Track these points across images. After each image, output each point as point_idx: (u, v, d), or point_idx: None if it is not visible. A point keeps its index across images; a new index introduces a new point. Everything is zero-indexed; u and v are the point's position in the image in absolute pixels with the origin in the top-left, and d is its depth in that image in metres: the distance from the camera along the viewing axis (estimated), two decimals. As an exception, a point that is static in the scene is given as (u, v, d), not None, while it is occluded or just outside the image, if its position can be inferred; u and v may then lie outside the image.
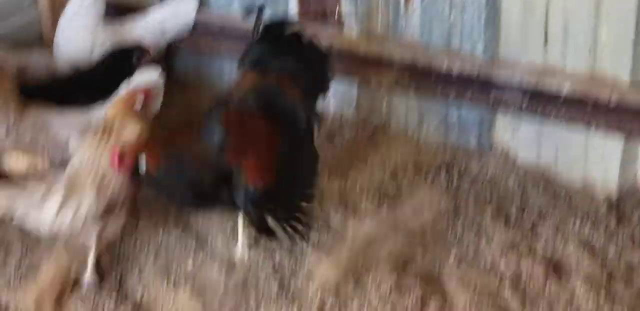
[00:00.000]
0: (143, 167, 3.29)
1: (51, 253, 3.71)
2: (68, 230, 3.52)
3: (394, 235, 3.78)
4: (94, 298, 3.58)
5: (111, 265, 3.73)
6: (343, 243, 3.74)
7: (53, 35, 4.69)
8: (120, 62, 4.18)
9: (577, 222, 3.88)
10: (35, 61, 4.36)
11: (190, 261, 3.72)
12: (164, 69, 4.22)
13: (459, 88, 4.21)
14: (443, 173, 4.22)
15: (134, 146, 3.39)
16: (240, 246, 3.73)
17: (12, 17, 4.90)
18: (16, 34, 4.89)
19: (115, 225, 3.62)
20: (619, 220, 3.89)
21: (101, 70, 4.19)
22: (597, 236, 3.80)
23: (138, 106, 3.63)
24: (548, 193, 4.06)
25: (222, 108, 3.54)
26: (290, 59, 3.73)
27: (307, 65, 3.76)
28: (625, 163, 4.02)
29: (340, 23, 4.49)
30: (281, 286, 3.58)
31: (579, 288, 3.52)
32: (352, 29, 4.47)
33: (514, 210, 3.96)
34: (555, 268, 3.63)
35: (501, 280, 3.57)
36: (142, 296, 3.58)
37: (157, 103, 3.98)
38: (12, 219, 3.57)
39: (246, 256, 3.72)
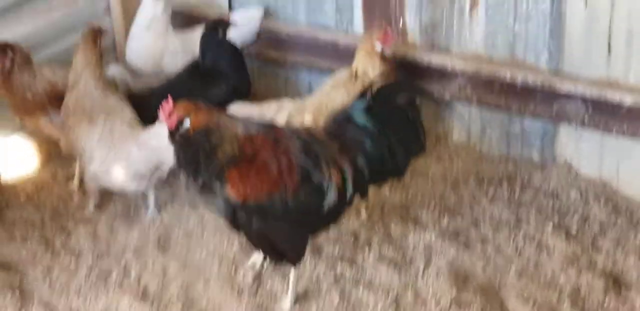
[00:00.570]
0: (186, 125, 3.34)
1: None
2: None
3: (455, 247, 3.82)
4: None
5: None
6: (403, 254, 3.80)
7: (125, 43, 4.82)
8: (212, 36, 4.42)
9: (638, 236, 3.88)
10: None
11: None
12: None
13: (522, 99, 4.21)
14: (505, 185, 4.23)
15: (186, 106, 3.38)
16: (289, 300, 3.64)
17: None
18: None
19: None
20: (681, 234, 3.89)
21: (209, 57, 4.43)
22: (658, 250, 3.80)
23: (378, 48, 4.15)
24: (609, 207, 4.06)
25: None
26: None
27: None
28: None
29: (404, 32, 4.52)
30: (342, 297, 3.62)
31: (639, 302, 3.52)
32: (415, 38, 4.50)
33: (575, 223, 3.97)
34: (615, 282, 3.64)
35: (560, 293, 3.59)
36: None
37: None
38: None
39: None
